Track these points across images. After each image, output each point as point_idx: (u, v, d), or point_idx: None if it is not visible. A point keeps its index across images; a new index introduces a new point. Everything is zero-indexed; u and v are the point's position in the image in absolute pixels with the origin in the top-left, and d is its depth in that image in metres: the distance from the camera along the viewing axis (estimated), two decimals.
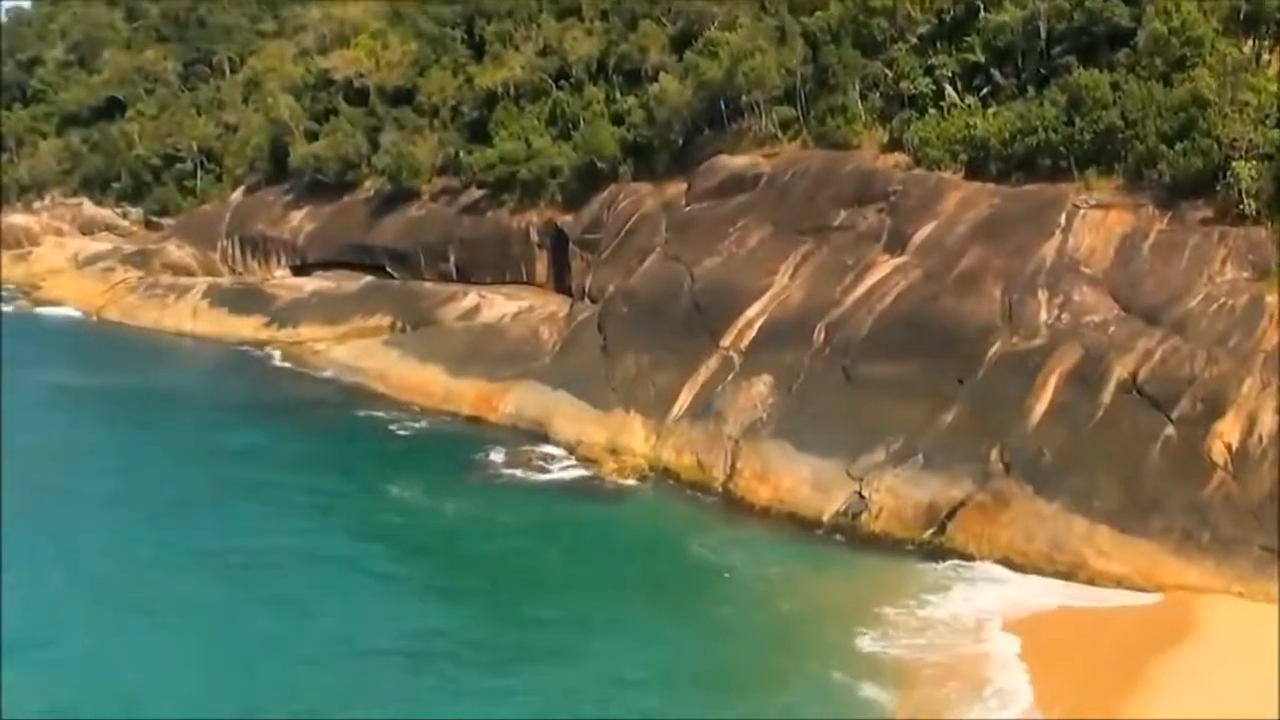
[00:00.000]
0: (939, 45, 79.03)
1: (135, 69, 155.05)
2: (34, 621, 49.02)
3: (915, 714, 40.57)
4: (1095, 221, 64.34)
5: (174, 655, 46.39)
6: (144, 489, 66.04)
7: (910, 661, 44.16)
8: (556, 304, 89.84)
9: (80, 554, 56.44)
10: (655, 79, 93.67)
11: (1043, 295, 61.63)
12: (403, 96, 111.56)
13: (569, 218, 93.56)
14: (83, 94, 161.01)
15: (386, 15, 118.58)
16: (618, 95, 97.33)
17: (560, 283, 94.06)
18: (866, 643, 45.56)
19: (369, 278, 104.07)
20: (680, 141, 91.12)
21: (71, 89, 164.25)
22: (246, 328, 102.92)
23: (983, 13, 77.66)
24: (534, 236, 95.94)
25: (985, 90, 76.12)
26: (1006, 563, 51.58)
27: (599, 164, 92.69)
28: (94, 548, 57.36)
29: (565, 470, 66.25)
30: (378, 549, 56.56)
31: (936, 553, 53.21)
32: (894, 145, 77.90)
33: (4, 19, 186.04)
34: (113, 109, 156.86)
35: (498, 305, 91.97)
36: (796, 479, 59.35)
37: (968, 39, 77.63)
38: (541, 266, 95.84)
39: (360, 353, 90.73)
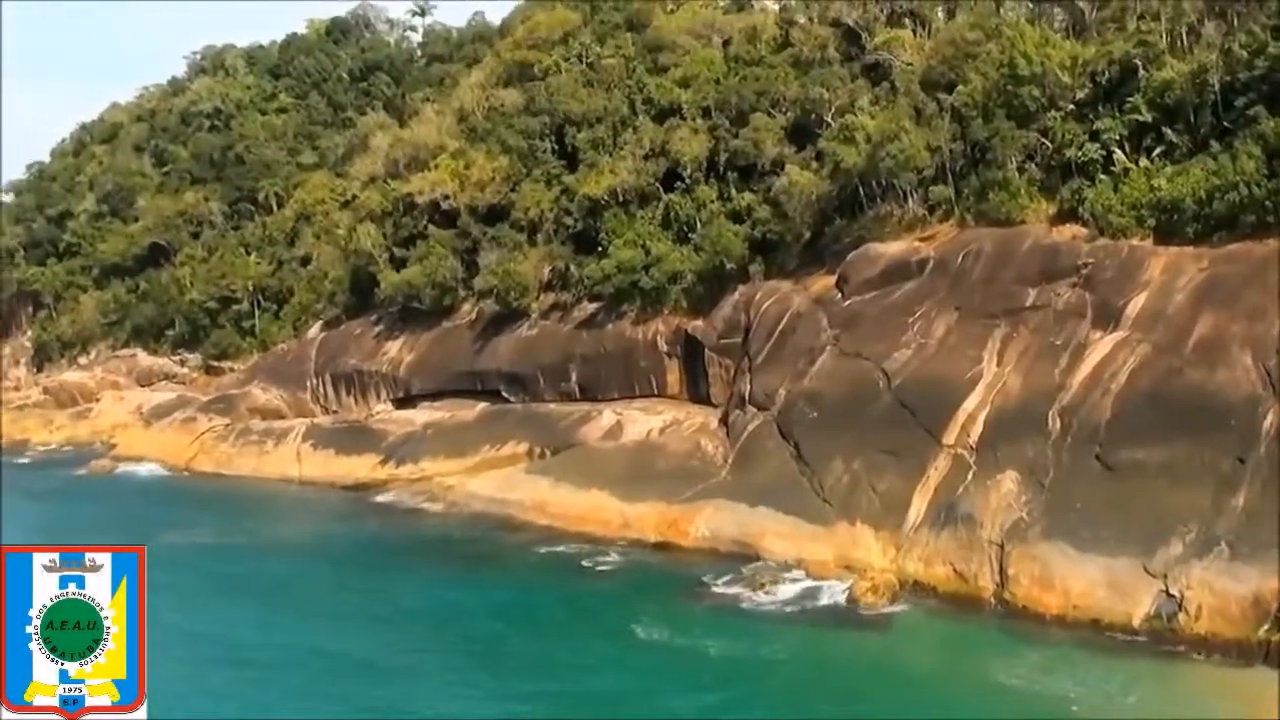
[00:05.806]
0: (1099, 109, 75.72)
1: (178, 213, 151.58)
2: None
3: None
4: None
5: None
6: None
7: None
8: (702, 415, 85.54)
9: None
10: (773, 172, 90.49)
11: None
12: (497, 214, 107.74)
13: (699, 323, 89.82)
14: (122, 244, 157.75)
15: (463, 134, 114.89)
16: (732, 192, 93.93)
17: (695, 392, 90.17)
18: None
19: (483, 404, 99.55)
20: (808, 234, 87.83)
21: (109, 240, 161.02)
22: (360, 468, 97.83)
23: (1142, 71, 74.49)
24: (662, 346, 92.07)
25: (1157, 150, 72.84)
26: None
27: (727, 265, 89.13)
28: None
29: (803, 592, 60.46)
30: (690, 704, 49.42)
31: None
32: (1065, 216, 74.31)
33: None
34: (156, 256, 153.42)
35: (639, 421, 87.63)
36: (1088, 582, 53.84)
37: (1130, 100, 74.15)
38: (673, 377, 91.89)
39: (502, 484, 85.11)
